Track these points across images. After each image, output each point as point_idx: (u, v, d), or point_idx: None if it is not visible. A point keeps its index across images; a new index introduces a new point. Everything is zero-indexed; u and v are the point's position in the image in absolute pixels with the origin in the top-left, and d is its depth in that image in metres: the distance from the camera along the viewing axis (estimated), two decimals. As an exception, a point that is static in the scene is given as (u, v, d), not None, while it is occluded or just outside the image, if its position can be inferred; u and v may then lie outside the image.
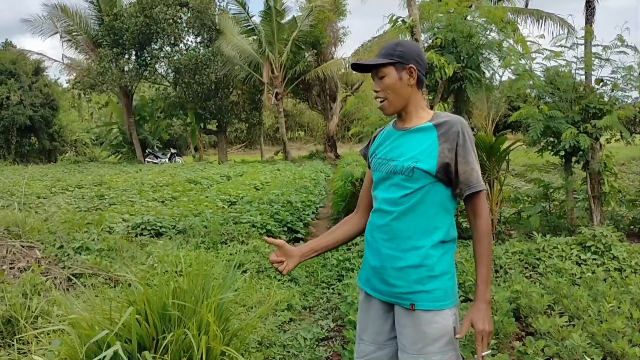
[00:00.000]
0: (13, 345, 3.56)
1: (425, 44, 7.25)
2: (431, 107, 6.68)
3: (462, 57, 6.84)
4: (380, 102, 2.05)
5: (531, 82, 6.68)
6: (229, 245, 6.60)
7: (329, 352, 3.81)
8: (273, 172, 18.29)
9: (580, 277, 4.78)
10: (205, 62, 25.54)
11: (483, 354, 1.89)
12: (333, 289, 5.30)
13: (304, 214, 9.16)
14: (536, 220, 6.50)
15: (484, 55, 7.25)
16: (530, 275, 5.11)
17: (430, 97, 6.76)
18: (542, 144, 6.84)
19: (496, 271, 5.25)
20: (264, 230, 7.48)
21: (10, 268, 5.08)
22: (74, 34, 27.30)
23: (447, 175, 1.95)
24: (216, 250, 6.41)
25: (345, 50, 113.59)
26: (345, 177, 8.60)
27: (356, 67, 2.11)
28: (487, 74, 7.54)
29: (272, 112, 30.58)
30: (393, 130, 2.12)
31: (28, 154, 30.19)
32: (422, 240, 1.95)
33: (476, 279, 1.94)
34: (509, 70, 7.06)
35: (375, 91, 2.05)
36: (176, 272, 4.93)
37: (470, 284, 4.59)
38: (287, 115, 35.45)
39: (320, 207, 11.11)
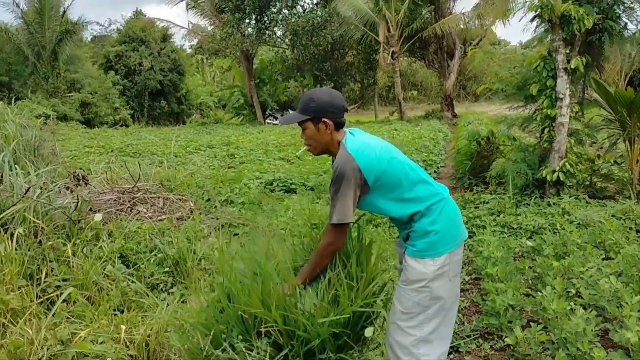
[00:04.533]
0: (183, 282, 4.09)
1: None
2: (568, 62, 6.40)
3: (602, 8, 6.47)
4: (307, 146, 2.40)
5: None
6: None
7: (467, 302, 3.97)
8: (390, 132, 18.32)
9: None
10: (321, 24, 25.79)
11: None
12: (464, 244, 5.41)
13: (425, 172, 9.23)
14: (682, 180, 6.14)
15: (627, 5, 6.80)
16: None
17: (567, 51, 6.46)
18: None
19: (637, 231, 5.13)
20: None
21: (169, 218, 5.69)
22: (199, 1, 28.59)
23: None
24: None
25: (464, 5, 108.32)
26: (472, 136, 8.52)
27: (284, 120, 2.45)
28: (630, 26, 7.09)
29: (385, 72, 30.19)
30: None
31: (159, 117, 32.43)
32: None
33: None
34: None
35: (302, 138, 2.38)
36: (314, 224, 5.27)
37: (610, 242, 4.54)
38: (401, 74, 34.95)
39: (441, 166, 11.09)
